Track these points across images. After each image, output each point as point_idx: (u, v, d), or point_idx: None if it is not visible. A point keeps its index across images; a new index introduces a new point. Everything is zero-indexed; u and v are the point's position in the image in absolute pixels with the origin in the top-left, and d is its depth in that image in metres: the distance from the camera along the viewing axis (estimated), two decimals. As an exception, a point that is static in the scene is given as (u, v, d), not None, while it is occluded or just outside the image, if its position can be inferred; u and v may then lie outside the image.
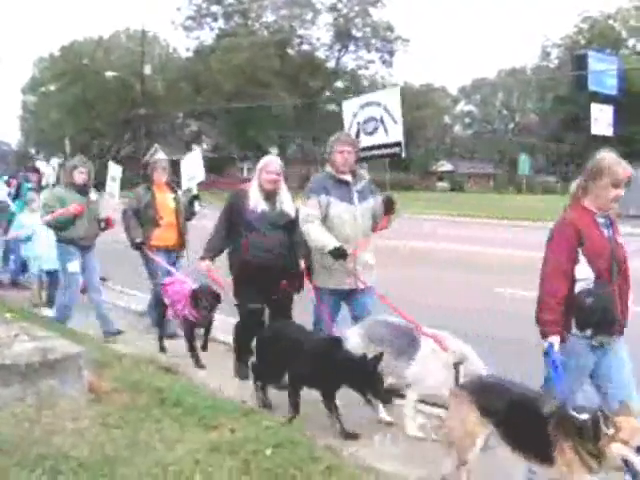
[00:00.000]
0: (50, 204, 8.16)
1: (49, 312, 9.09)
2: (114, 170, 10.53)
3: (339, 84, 64.48)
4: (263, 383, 5.92)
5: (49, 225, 8.24)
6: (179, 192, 8.94)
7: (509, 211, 32.42)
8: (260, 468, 4.05)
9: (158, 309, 7.85)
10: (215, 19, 63.19)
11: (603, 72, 23.15)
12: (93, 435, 4.40)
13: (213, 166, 42.38)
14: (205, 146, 66.61)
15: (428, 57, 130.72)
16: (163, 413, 4.91)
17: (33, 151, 73.67)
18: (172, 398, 5.19)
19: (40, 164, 14.43)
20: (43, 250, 9.90)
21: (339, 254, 5.81)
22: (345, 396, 5.45)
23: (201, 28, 62.84)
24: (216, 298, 7.14)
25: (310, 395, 5.53)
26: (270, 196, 6.57)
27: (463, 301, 10.76)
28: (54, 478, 3.78)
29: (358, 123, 6.84)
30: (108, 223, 8.40)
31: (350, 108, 6.99)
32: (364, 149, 6.62)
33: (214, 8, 62.38)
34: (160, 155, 11.90)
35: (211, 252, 6.78)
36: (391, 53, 62.86)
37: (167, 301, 7.55)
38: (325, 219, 6.07)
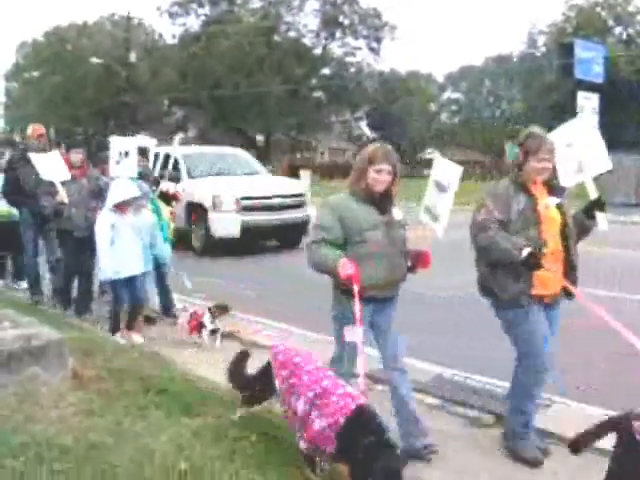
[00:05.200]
0: (326, 225, 4.45)
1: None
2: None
3: (326, 71, 64.30)
4: None
5: (319, 269, 4.47)
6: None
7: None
8: (245, 454, 4.05)
9: None
10: (201, 5, 62.74)
11: (589, 60, 23.20)
12: (77, 422, 4.37)
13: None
14: (191, 134, 66.35)
15: (415, 44, 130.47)
16: (148, 400, 4.89)
17: (18, 139, 73.09)
18: (157, 385, 5.18)
19: (145, 140, 10.04)
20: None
21: None
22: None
23: (187, 15, 62.39)
24: None
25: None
26: None
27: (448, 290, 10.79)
28: (38, 466, 3.75)
29: None
30: (422, 261, 4.62)
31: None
32: None
33: (200, -6, 62.10)
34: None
35: None
36: (378, 40, 62.61)
37: None
38: None
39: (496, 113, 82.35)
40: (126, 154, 8.32)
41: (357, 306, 4.19)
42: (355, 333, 4.27)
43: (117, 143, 8.46)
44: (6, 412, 4.40)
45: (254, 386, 4.56)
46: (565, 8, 58.47)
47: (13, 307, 6.97)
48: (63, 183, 8.52)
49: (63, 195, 8.37)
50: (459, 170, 4.66)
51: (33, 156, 8.66)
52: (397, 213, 4.68)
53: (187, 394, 5.04)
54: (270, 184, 16.28)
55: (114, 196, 7.20)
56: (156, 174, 9.70)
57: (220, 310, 7.31)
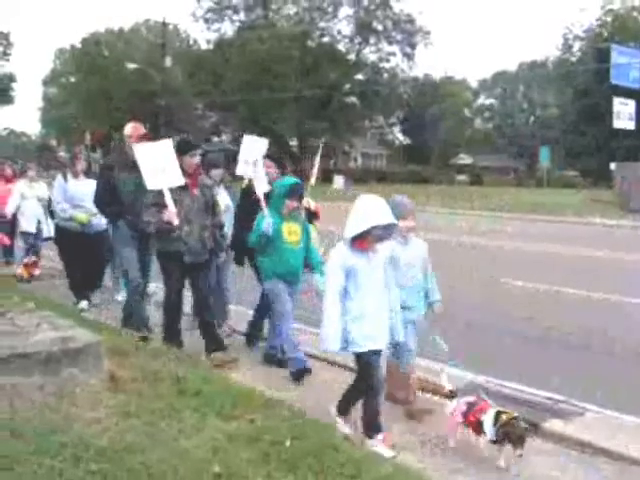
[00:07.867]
0: None
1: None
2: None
3: (360, 76, 64.35)
4: None
5: None
6: None
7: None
8: (279, 459, 4.06)
9: None
10: (236, 11, 63.30)
11: (626, 65, 22.95)
12: (113, 423, 4.41)
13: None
14: (225, 137, 66.66)
15: (449, 49, 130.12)
16: (182, 403, 4.92)
17: (54, 142, 74.05)
18: (191, 388, 5.21)
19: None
20: None
21: None
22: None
23: (222, 20, 62.99)
24: None
25: (331, 382, 5.50)
26: None
27: (468, 290, 10.81)
28: (75, 466, 3.79)
29: None
30: None
31: None
32: None
33: (235, 0, 62.49)
34: None
35: None
36: (412, 45, 62.61)
37: None
38: None
39: (530, 119, 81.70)
40: (254, 163, 6.94)
41: None
42: None
43: (247, 146, 7.19)
44: (45, 413, 4.46)
45: None
46: (601, 13, 57.92)
47: (52, 309, 7.06)
48: (173, 194, 6.58)
49: (172, 213, 6.49)
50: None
51: (137, 147, 6.91)
52: None
53: (222, 397, 5.07)
54: None
55: (352, 225, 4.74)
56: None
57: (516, 437, 4.57)
